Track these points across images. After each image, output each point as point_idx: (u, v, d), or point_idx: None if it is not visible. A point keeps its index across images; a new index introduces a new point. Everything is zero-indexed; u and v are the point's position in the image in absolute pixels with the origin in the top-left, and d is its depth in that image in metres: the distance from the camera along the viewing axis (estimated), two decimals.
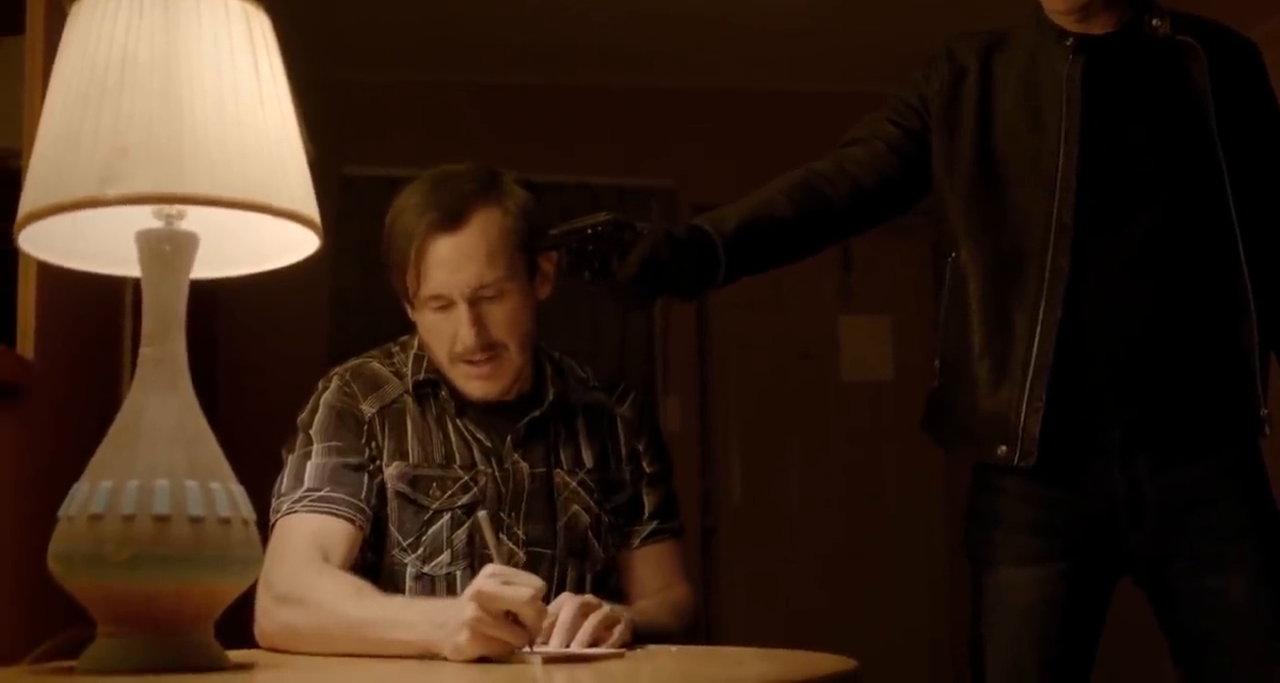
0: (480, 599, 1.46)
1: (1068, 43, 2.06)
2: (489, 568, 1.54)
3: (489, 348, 1.91)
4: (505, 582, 1.49)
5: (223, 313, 4.45)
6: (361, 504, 1.88)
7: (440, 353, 1.95)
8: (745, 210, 2.04)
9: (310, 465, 1.89)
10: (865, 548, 5.17)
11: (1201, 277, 2.01)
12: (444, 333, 1.92)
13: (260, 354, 4.53)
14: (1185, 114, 2.03)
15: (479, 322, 1.90)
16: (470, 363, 1.93)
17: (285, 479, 1.90)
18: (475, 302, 1.89)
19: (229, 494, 1.32)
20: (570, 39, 4.73)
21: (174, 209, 1.36)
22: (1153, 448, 1.99)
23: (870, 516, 5.21)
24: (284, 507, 1.85)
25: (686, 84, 5.10)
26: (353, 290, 4.66)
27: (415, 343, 2.02)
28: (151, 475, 1.28)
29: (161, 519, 1.26)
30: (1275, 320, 2.03)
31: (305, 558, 1.77)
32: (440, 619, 1.52)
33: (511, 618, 1.47)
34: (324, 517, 1.84)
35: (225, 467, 1.35)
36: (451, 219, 1.88)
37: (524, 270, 1.94)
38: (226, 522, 1.30)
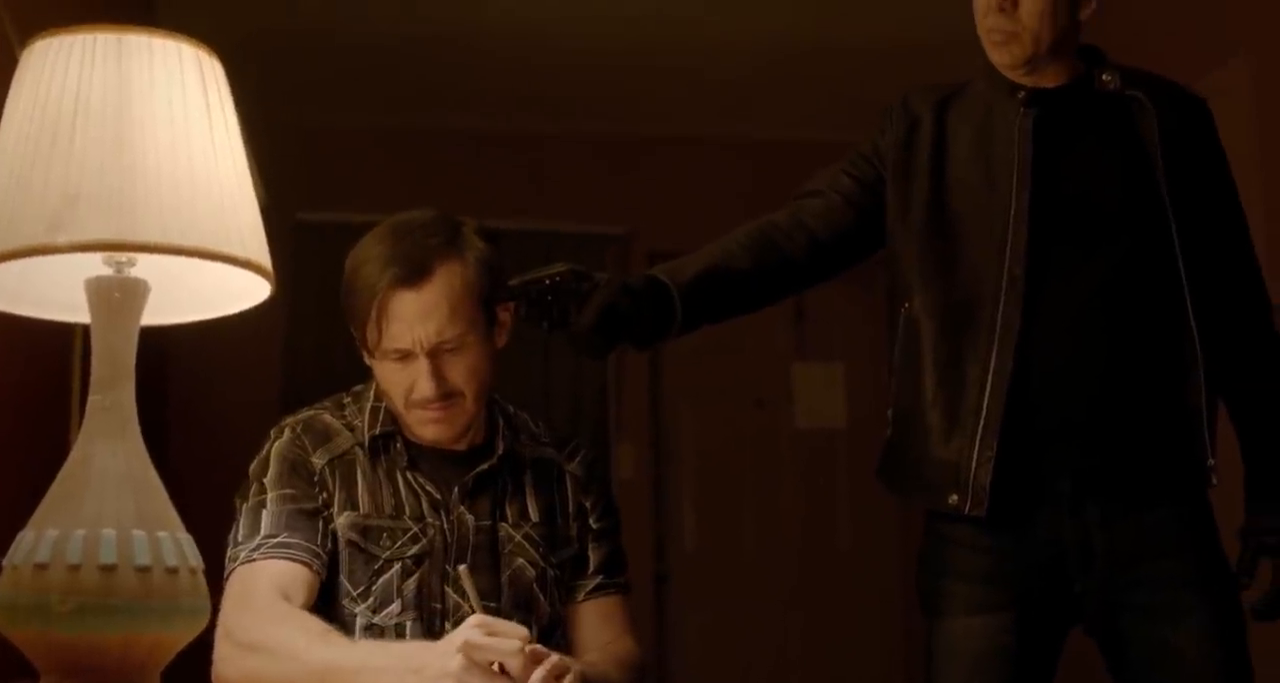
0: (468, 650, 1.46)
1: (1019, 95, 2.08)
2: (474, 618, 1.54)
3: (447, 397, 1.91)
4: (490, 633, 1.49)
5: (173, 358, 4.41)
6: (318, 549, 1.86)
7: (396, 400, 1.94)
8: (702, 262, 2.06)
9: (266, 514, 1.87)
10: (819, 596, 5.16)
11: (1150, 329, 2.03)
12: (401, 384, 1.91)
13: (211, 400, 4.49)
14: (1134, 167, 2.06)
15: (438, 374, 1.89)
16: (425, 408, 1.92)
17: (241, 529, 1.88)
18: (435, 354, 1.89)
19: (176, 543, 1.31)
20: (525, 87, 4.75)
21: (124, 256, 1.35)
22: (1102, 498, 2.00)
23: (824, 563, 5.21)
24: (241, 555, 1.84)
25: (642, 131, 5.13)
26: (306, 336, 4.64)
27: (370, 394, 2.01)
28: (98, 524, 1.27)
29: (108, 569, 1.25)
30: (1222, 371, 2.05)
31: (268, 603, 1.76)
32: (414, 664, 1.51)
33: (499, 668, 1.47)
34: (283, 562, 1.83)
35: (173, 515, 1.34)
36: (414, 275, 1.87)
37: (483, 321, 1.93)
38: (174, 571, 1.29)
